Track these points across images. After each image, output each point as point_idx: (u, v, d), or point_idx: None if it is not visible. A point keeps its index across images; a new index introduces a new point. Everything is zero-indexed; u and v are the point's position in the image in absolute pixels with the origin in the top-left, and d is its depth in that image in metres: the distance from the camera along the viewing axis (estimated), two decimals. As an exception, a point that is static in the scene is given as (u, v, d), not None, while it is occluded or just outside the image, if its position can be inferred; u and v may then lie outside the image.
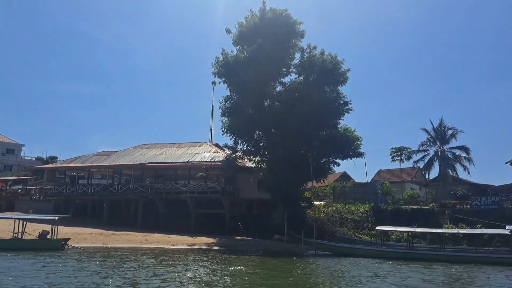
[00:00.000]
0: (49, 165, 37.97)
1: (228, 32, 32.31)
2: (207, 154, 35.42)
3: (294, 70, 32.56)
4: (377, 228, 25.33)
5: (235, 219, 32.75)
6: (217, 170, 33.93)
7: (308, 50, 31.86)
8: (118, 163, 35.31)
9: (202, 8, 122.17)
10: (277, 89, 33.39)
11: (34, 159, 78.23)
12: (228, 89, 32.83)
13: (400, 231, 27.02)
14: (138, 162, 34.61)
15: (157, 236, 26.62)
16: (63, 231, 23.14)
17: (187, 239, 26.13)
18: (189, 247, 23.61)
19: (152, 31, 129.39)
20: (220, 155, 34.56)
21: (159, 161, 35.22)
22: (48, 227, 21.00)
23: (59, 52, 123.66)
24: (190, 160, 34.51)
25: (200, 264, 16.77)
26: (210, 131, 59.81)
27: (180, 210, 33.76)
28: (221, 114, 32.59)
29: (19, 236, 19.82)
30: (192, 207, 33.22)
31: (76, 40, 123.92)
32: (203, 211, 33.50)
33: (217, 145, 39.44)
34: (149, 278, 12.60)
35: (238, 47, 32.51)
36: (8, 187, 37.45)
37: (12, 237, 19.87)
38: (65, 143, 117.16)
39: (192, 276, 13.24)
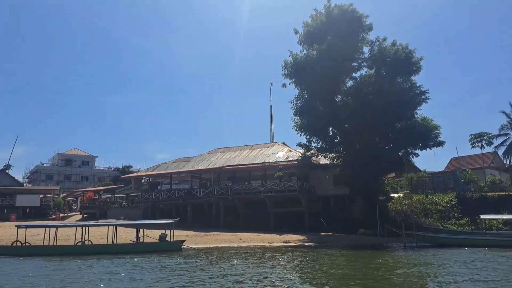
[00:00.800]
0: (135, 174, 40.77)
1: (296, 32, 33.09)
2: (280, 154, 36.33)
3: (364, 64, 32.65)
4: (482, 216, 24.67)
5: (313, 216, 33.36)
6: (292, 169, 34.68)
7: (378, 43, 31.82)
8: (198, 168, 37.19)
9: (247, 12, 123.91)
10: (348, 85, 33.64)
11: (106, 169, 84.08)
12: (296, 88, 33.59)
13: (505, 219, 25.99)
14: (217, 166, 36.24)
15: (247, 235, 27.83)
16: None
17: (276, 237, 27.08)
18: (285, 244, 24.53)
19: (198, 38, 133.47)
20: (294, 154, 35.32)
21: (235, 163, 36.66)
22: (144, 232, 22.89)
23: (112, 64, 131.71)
24: (266, 161, 35.61)
25: (321, 257, 17.64)
26: (270, 131, 61.14)
27: (258, 210, 35.00)
28: (294, 114, 33.38)
29: (141, 240, 21.78)
30: (270, 206, 34.26)
31: (129, 53, 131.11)
32: (281, 210, 34.45)
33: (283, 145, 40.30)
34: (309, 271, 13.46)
35: (304, 46, 33.16)
36: (99, 197, 40.69)
37: (133, 242, 21.80)
38: (128, 153, 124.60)
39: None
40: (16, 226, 21.24)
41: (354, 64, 32.71)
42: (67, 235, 23.76)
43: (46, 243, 20.60)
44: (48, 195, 45.21)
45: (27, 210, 40.90)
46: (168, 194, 36.86)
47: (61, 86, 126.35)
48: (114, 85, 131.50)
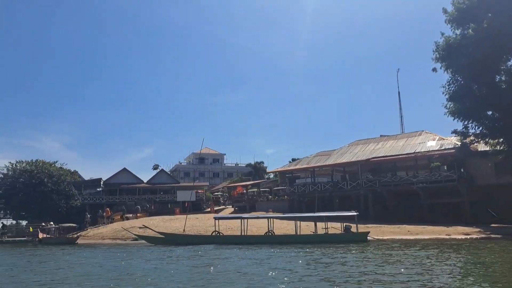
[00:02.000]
0: (280, 169, 42.96)
1: (445, 11, 31.15)
2: (432, 142, 34.66)
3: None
4: None
5: (474, 206, 31.22)
6: (447, 158, 32.81)
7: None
8: (343, 161, 37.58)
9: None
10: (510, 63, 30.53)
11: (234, 165, 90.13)
12: (446, 72, 31.61)
13: None
14: (363, 158, 36.11)
15: (411, 227, 27.31)
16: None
17: (445, 229, 26.09)
18: (466, 236, 23.50)
19: (291, 32, 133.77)
20: (449, 142, 33.39)
21: (381, 155, 36.09)
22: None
23: (208, 64, 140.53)
24: (417, 151, 34.34)
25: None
26: (400, 119, 58.47)
27: (409, 201, 33.97)
28: (447, 99, 31.48)
29: (327, 231, 23.11)
30: (424, 197, 32.95)
31: (228, 52, 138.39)
32: (435, 201, 32.89)
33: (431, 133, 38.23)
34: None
35: (453, 25, 30.99)
36: (247, 191, 43.86)
37: (313, 233, 23.20)
38: (241, 149, 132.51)
39: None
40: (214, 218, 24.20)
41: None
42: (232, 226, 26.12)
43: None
44: (200, 191, 50.17)
45: (186, 205, 45.99)
46: (313, 187, 38.00)
47: (174, 89, 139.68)
48: (221, 85, 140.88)
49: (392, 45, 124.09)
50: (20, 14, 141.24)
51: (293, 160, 70.70)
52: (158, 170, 66.71)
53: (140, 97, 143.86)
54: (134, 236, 25.48)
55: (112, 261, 15.39)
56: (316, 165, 39.39)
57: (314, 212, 28.81)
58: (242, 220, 23.22)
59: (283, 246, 20.06)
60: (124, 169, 51.82)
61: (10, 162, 54.88)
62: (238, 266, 12.71)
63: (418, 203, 33.32)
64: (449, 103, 31.55)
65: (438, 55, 30.85)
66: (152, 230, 24.96)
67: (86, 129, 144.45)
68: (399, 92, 58.34)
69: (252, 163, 71.67)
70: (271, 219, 23.53)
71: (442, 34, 30.93)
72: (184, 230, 24.83)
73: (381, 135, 44.29)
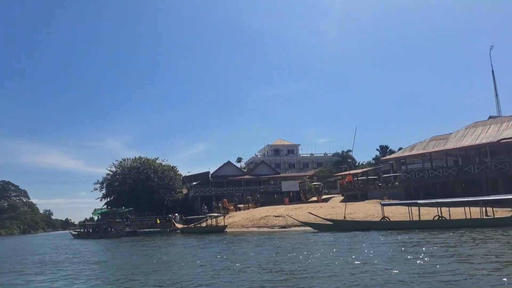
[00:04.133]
0: (394, 155, 42.64)
1: None
2: None
3: None
4: None
5: None
6: None
7: None
8: (466, 145, 36.58)
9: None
10: None
11: (309, 155, 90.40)
12: None
13: None
14: (489, 141, 34.89)
15: None
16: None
17: None
18: None
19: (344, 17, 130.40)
20: None
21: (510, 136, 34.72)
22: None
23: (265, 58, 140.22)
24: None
25: None
26: (495, 100, 55.37)
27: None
28: None
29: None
30: None
31: (280, 45, 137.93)
32: None
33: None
34: None
35: None
36: (357, 179, 44.00)
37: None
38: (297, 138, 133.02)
39: None
40: (380, 204, 24.63)
41: None
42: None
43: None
44: (299, 181, 50.92)
45: (291, 194, 46.96)
46: (434, 172, 37.38)
47: (229, 84, 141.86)
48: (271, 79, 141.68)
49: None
50: (84, 23, 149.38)
51: (381, 147, 70.10)
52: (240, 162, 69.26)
53: (195, 96, 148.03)
54: (299, 222, 26.31)
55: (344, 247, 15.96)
56: (435, 149, 38.60)
57: (434, 198, 28.41)
58: (410, 206, 23.39)
59: (458, 231, 20.01)
60: (228, 162, 53.69)
61: (116, 160, 58.63)
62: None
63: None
64: None
65: None
66: (320, 217, 25.75)
67: (143, 128, 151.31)
68: (493, 71, 55.46)
69: (340, 152, 71.29)
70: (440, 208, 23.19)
71: None
72: (344, 217, 25.41)
73: (490, 117, 42.61)
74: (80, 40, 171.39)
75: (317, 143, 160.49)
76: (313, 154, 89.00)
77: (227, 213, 41.78)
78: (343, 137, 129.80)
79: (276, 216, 32.66)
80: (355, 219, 26.21)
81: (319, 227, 24.35)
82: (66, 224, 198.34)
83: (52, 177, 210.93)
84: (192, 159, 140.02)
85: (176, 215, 41.16)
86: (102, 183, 56.41)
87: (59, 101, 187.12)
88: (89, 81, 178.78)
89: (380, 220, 23.69)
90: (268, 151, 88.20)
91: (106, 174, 57.19)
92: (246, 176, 50.97)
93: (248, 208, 43.24)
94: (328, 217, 27.01)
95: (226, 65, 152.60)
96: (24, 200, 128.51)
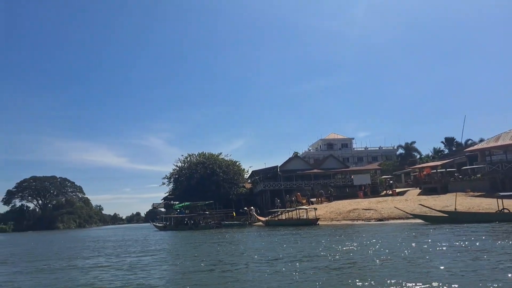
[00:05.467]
0: (479, 147, 41.10)
1: None
2: None
3: None
4: None
5: None
6: None
7: None
8: None
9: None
10: None
11: (363, 149, 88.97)
12: None
13: None
14: None
15: None
16: None
17: None
18: None
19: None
20: None
21: None
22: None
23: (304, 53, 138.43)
24: None
25: None
26: None
27: None
28: None
29: None
30: None
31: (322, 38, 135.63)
32: None
33: None
34: None
35: None
36: (436, 172, 42.77)
37: None
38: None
39: None
40: (499, 195, 23.75)
41: None
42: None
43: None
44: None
45: (362, 188, 46.26)
46: (526, 164, 35.73)
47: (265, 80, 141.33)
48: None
49: None
50: (134, 26, 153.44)
51: (446, 139, 67.78)
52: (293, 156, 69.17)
53: (232, 93, 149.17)
54: (409, 215, 25.77)
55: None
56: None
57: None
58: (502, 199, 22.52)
59: None
60: (296, 156, 53.84)
61: (182, 155, 60.05)
62: None
63: None
64: None
65: None
66: (433, 209, 25.16)
67: (183, 126, 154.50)
68: None
69: (403, 144, 69.51)
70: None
71: None
72: (455, 208, 24.70)
73: None
74: (125, 44, 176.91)
75: (357, 137, 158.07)
76: (367, 148, 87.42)
77: (300, 207, 41.76)
78: (383, 131, 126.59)
79: (365, 209, 32.29)
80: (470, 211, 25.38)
81: (432, 220, 23.74)
82: (114, 219, 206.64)
83: (98, 174, 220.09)
84: (232, 154, 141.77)
85: (252, 208, 41.62)
86: (169, 178, 58.06)
87: (104, 101, 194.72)
88: (132, 82, 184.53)
89: (498, 211, 22.86)
90: (321, 145, 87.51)
91: (173, 170, 58.78)
92: (315, 170, 50.70)
93: (322, 202, 42.99)
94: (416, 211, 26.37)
95: (259, 61, 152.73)
96: (80, 196, 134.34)
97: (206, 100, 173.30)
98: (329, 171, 51.34)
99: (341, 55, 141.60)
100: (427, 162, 54.04)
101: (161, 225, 44.04)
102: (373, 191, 45.96)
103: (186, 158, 59.15)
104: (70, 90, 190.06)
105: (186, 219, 40.11)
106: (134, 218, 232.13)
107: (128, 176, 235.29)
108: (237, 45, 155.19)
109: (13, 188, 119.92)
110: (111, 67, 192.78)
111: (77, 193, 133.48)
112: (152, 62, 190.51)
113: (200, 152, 59.33)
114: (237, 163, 59.25)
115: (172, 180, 58.32)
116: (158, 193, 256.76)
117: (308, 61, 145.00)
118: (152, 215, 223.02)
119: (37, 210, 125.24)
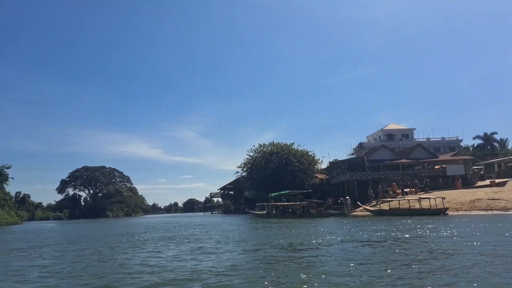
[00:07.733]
0: None
1: None
2: None
3: None
4: None
5: None
6: None
7: None
8: None
9: None
10: None
11: (425, 139, 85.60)
12: None
13: None
14: None
15: None
16: None
17: None
18: None
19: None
20: None
21: None
22: None
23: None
24: None
25: None
26: None
27: None
28: None
29: None
30: None
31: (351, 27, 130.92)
32: None
33: None
34: None
35: None
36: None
37: None
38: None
39: None
40: None
41: None
42: None
43: None
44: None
45: (457, 178, 43.86)
46: None
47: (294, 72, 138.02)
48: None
49: None
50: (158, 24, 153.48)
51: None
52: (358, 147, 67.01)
53: (262, 85, 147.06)
54: None
55: None
56: None
57: None
58: None
59: None
60: (383, 146, 51.83)
61: (253, 145, 59.08)
62: None
63: None
64: None
65: None
66: None
67: (214, 118, 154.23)
68: None
69: (481, 134, 66.23)
70: None
71: None
72: None
73: None
74: (156, 40, 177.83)
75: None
76: (429, 139, 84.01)
77: (394, 197, 39.95)
78: (423, 120, 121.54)
79: (491, 199, 30.23)
80: None
81: None
82: (154, 209, 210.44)
83: (134, 165, 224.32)
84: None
85: (348, 198, 40.13)
86: (243, 167, 57.40)
87: (140, 95, 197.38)
88: (164, 75, 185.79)
89: None
90: (381, 136, 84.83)
91: (246, 159, 58.06)
92: (403, 160, 48.52)
93: (416, 193, 41.04)
94: None
95: (290, 53, 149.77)
96: (128, 186, 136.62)
97: (236, 93, 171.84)
98: (420, 161, 49.06)
99: (370, 44, 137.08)
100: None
101: (261, 213, 42.57)
102: (464, 182, 43.48)
103: (257, 148, 58.25)
104: (108, 85, 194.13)
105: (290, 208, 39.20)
106: (172, 208, 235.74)
107: (162, 167, 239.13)
108: (268, 37, 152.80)
109: (66, 177, 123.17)
110: (144, 63, 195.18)
111: (125, 182, 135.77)
112: (185, 58, 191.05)
113: (271, 142, 58.30)
114: (310, 153, 57.83)
115: (245, 169, 57.56)
116: (193, 184, 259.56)
117: (341, 51, 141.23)
118: (190, 206, 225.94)
119: (88, 199, 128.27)
